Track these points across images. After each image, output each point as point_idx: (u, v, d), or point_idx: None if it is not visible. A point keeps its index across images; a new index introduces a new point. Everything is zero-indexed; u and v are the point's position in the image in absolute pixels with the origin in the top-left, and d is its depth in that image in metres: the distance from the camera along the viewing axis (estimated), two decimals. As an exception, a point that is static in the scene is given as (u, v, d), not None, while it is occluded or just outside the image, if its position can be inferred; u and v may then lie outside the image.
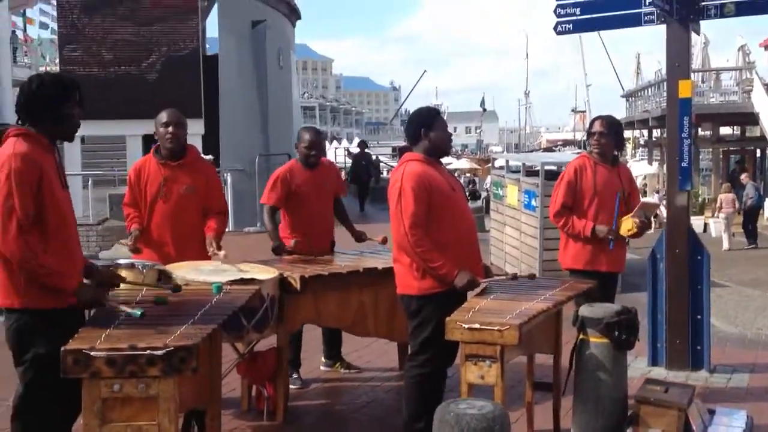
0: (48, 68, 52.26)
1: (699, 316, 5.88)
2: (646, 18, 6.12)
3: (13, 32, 41.90)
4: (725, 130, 31.57)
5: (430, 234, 4.13)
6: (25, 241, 3.25)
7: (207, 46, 17.70)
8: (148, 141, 15.74)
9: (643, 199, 5.54)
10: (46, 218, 3.35)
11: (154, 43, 16.29)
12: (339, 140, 48.19)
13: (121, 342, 3.13)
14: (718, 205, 17.72)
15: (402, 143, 64.67)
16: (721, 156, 30.46)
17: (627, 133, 50.48)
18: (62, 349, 3.06)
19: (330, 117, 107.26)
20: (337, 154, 30.47)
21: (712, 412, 3.92)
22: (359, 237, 5.84)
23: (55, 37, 52.49)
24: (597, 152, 5.30)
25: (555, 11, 6.40)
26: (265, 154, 16.17)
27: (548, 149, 58.89)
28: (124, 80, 16.08)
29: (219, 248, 4.84)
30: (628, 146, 52.98)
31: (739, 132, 32.20)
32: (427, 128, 4.28)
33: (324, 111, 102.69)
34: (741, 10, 5.86)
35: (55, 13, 47.03)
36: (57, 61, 53.81)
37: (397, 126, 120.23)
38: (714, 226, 19.70)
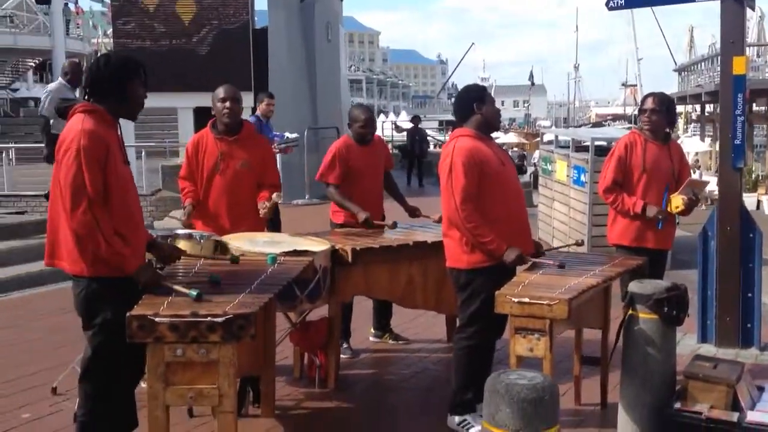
0: (99, 40, 53.17)
1: (750, 294, 5.85)
2: (700, -7, 6.04)
3: (66, 4, 42.70)
4: (757, 108, 30.82)
5: (481, 209, 4.19)
6: (93, 218, 3.36)
7: (255, 18, 17.76)
8: (199, 114, 15.99)
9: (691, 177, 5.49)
10: (110, 194, 3.46)
11: (205, 17, 16.42)
12: (386, 113, 48.15)
13: (183, 309, 3.27)
14: None
15: (449, 117, 64.40)
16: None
17: (679, 108, 49.64)
18: (128, 314, 3.20)
19: (377, 90, 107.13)
20: (385, 128, 30.51)
21: (761, 389, 3.93)
22: (413, 212, 5.92)
23: (107, 9, 53.19)
24: (648, 129, 5.26)
25: (606, -14, 6.34)
26: (314, 128, 16.29)
27: (597, 124, 58.11)
28: (175, 53, 16.26)
29: (271, 207, 4.95)
30: (680, 121, 52.13)
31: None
32: (478, 103, 4.33)
33: (371, 84, 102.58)
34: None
35: (102, -14, 47.48)
36: (110, 32, 54.34)
37: (444, 99, 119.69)
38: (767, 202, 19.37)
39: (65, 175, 3.40)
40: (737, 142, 5.86)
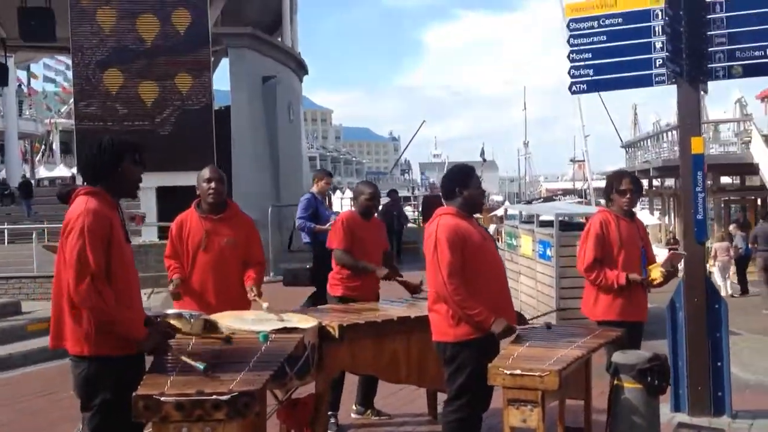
0: (53, 120, 53.04)
1: (719, 363, 6.05)
2: (657, 79, 6.35)
3: (19, 86, 42.75)
4: (725, 180, 31.94)
5: (466, 282, 4.34)
6: (98, 293, 3.44)
7: (213, 98, 18.08)
8: (161, 193, 16.04)
9: (668, 251, 5.75)
10: (113, 271, 3.56)
11: (167, 98, 16.65)
12: (342, 190, 48.59)
13: (187, 388, 3.32)
14: (712, 254, 17.91)
15: (404, 193, 64.99)
16: (722, 205, 30.76)
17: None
18: (134, 394, 3.25)
19: (331, 167, 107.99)
20: (344, 204, 30.77)
21: (742, 455, 4.09)
22: (414, 289, 6.08)
23: (61, 90, 53.25)
24: (627, 208, 5.51)
25: (569, 72, 6.65)
26: (277, 205, 16.45)
27: (548, 198, 59.25)
28: (137, 134, 16.42)
29: (260, 295, 5.07)
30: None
31: (739, 181, 32.58)
32: (462, 186, 4.54)
33: (325, 161, 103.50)
34: (747, 72, 6.13)
35: (60, 68, 47.85)
36: (63, 111, 54.24)
37: (397, 175, 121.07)
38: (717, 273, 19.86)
39: (70, 252, 3.49)
40: (699, 217, 6.14)
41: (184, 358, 3.57)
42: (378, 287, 6.11)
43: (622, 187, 5.54)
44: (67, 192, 3.71)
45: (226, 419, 3.26)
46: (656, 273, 5.29)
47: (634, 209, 5.78)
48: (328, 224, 8.50)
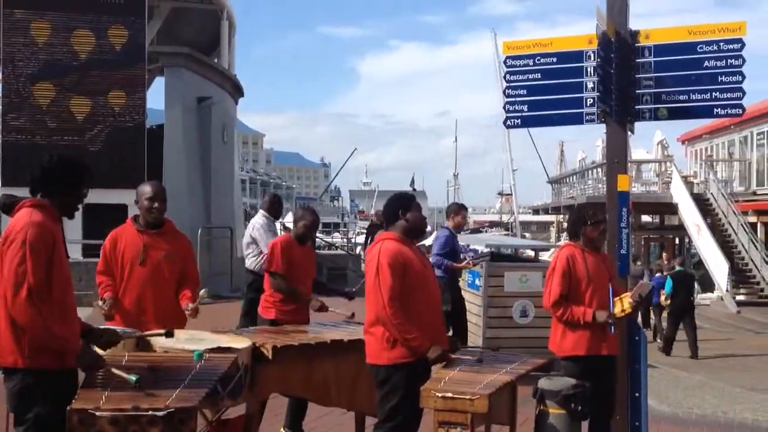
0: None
1: (637, 394, 6.26)
2: (587, 117, 6.57)
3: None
4: (646, 218, 33.03)
5: (404, 307, 4.44)
6: (34, 307, 3.43)
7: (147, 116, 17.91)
8: (88, 210, 15.72)
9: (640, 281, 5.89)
10: (52, 284, 3.55)
11: (99, 114, 16.40)
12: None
13: (123, 403, 3.33)
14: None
15: (334, 219, 65.05)
16: (642, 243, 31.75)
17: (551, 218, 52.24)
18: (68, 408, 3.25)
19: (260, 190, 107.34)
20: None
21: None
22: (349, 295, 6.25)
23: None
24: (599, 239, 5.54)
25: (504, 107, 6.86)
26: (209, 227, 16.32)
27: (476, 230, 60.19)
28: (67, 149, 16.09)
29: (196, 311, 5.11)
30: (552, 230, 54.72)
31: (658, 220, 33.74)
32: (404, 210, 4.66)
33: (254, 185, 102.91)
34: (672, 114, 6.44)
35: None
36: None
37: (327, 202, 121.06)
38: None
39: (9, 264, 3.47)
40: (623, 251, 6.38)
41: (115, 370, 3.58)
42: (308, 312, 6.17)
43: (598, 217, 5.54)
44: (11, 203, 3.68)
45: (161, 435, 3.27)
46: (626, 304, 5.40)
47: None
48: (465, 261, 8.46)
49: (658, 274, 18.37)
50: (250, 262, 8.49)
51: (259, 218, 8.76)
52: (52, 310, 3.50)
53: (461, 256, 8.78)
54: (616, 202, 6.44)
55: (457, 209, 9.03)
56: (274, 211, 8.86)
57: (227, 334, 5.13)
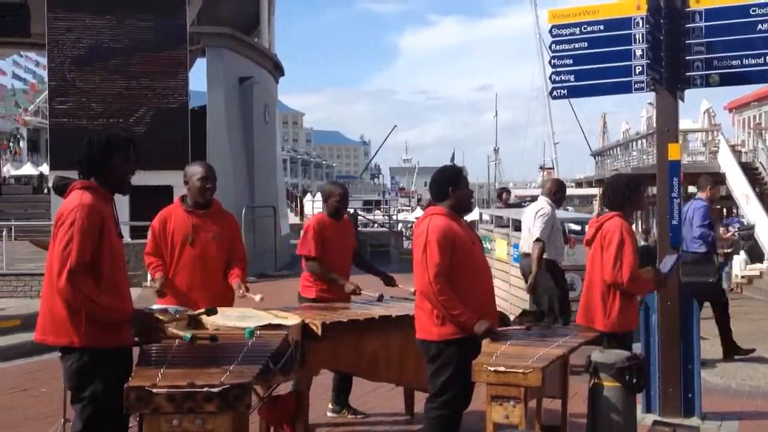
0: (22, 117, 52.36)
1: (690, 366, 6.19)
2: (636, 85, 6.47)
3: (-13, 82, 42.25)
4: (692, 189, 32.44)
5: (452, 283, 4.41)
6: (77, 286, 3.47)
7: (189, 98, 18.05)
8: (134, 192, 15.90)
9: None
10: (102, 264, 3.59)
11: (143, 97, 16.58)
12: (312, 193, 48.53)
13: (178, 380, 3.36)
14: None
15: (375, 197, 65.13)
16: (689, 214, 31.18)
17: (594, 191, 51.65)
18: (125, 386, 3.29)
19: (301, 170, 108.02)
20: (315, 207, 30.77)
21: (715, 452, 4.21)
22: (389, 281, 6.23)
23: (29, 87, 52.55)
24: (643, 209, 5.51)
25: (550, 77, 6.77)
26: (252, 206, 16.44)
27: (517, 205, 59.79)
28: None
29: (247, 290, 5.12)
30: (595, 203, 54.15)
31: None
32: (454, 186, 4.61)
33: (295, 164, 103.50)
34: (724, 80, 6.28)
35: (30, 66, 47.32)
36: (30, 110, 53.41)
37: (366, 180, 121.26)
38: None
39: (58, 245, 3.52)
40: (674, 222, 6.28)
41: (171, 329, 3.62)
42: None
43: (641, 185, 5.44)
44: (63, 185, 3.73)
45: (217, 411, 3.31)
46: (649, 275, 5.39)
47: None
48: (729, 233, 8.25)
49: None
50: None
51: (542, 204, 8.07)
52: (97, 287, 3.53)
53: (728, 228, 8.54)
54: (667, 171, 6.33)
55: (712, 183, 8.65)
56: (561, 197, 8.36)
57: (277, 312, 5.15)
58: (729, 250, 18.87)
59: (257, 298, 5.11)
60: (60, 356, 3.67)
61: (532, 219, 7.87)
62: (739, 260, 20.62)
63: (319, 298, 5.89)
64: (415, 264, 4.51)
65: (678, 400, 6.20)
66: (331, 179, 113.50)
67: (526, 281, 8.02)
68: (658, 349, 6.26)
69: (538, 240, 7.71)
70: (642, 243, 15.39)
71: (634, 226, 9.23)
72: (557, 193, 8.14)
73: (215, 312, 4.24)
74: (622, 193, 5.40)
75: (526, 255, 8.02)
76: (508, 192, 14.39)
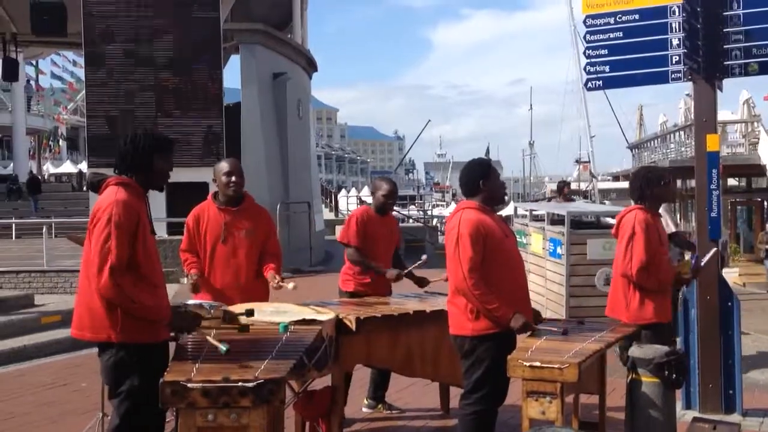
0: (61, 116, 53.17)
1: (730, 361, 6.08)
2: (673, 76, 6.36)
3: (27, 82, 42.94)
4: (731, 182, 31.88)
5: (486, 277, 4.37)
6: (117, 285, 3.50)
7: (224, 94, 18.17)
8: (170, 189, 16.10)
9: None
10: (138, 261, 3.61)
11: (179, 93, 16.70)
12: (347, 189, 48.63)
13: (213, 374, 3.37)
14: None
15: (410, 192, 65.07)
16: (729, 206, 30.68)
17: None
18: (161, 381, 3.30)
19: (335, 166, 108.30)
20: (349, 202, 30.87)
21: (757, 449, 4.13)
22: (421, 282, 6.13)
23: (67, 86, 53.24)
24: (671, 201, 5.38)
25: (585, 68, 6.68)
26: (287, 202, 16.50)
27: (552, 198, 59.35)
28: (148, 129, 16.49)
29: (283, 280, 5.13)
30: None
31: (745, 183, 32.55)
32: (485, 180, 4.56)
33: (330, 160, 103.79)
34: (764, 69, 6.13)
35: (67, 66, 47.98)
36: (69, 109, 54.07)
37: (401, 174, 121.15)
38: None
39: (96, 242, 3.54)
40: (713, 215, 6.17)
41: (209, 338, 3.63)
42: (389, 283, 6.11)
43: (665, 179, 5.35)
44: (98, 181, 3.76)
45: (251, 406, 3.32)
46: (686, 269, 5.30)
47: None
48: None
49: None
50: None
51: None
52: (138, 284, 3.56)
53: None
54: (705, 163, 6.22)
55: None
56: None
57: (311, 307, 5.15)
58: None
59: (290, 286, 5.11)
60: (98, 352, 3.71)
61: None
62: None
63: (357, 292, 5.88)
64: (448, 259, 4.48)
65: (718, 396, 6.10)
66: (365, 175, 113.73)
67: None
68: (698, 345, 6.16)
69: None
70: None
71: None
72: None
73: (253, 314, 4.25)
74: (641, 186, 5.35)
75: None
76: (569, 185, 14.13)
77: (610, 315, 5.35)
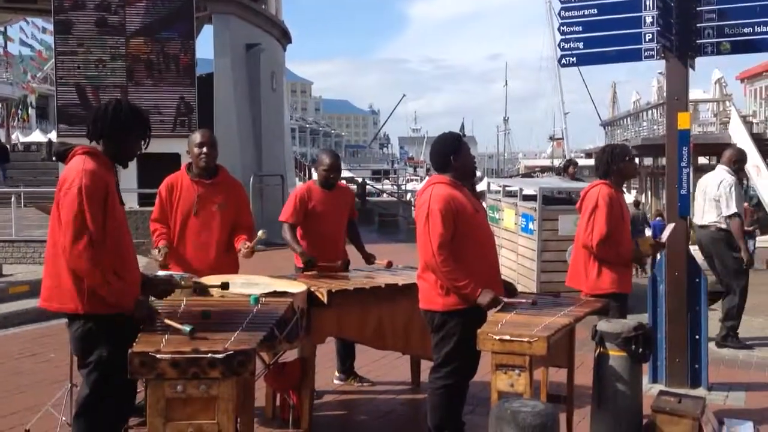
0: (30, 84, 52.26)
1: (697, 336, 6.17)
2: (646, 53, 6.37)
3: (-6, 48, 42.05)
4: (702, 160, 32.22)
5: (455, 253, 4.36)
6: (94, 256, 3.45)
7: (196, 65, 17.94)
8: (141, 159, 15.99)
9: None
10: (108, 233, 3.55)
11: (150, 63, 16.47)
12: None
13: (183, 345, 3.35)
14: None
15: (383, 166, 65.01)
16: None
17: (605, 161, 51.27)
18: (129, 351, 3.28)
19: (309, 139, 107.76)
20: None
21: (721, 422, 4.21)
22: (368, 259, 6.10)
23: (36, 55, 52.37)
24: (629, 179, 5.50)
25: (559, 45, 6.68)
26: (260, 174, 16.41)
27: (526, 175, 59.61)
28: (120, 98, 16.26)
29: (252, 249, 5.11)
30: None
31: (715, 161, 32.91)
32: (454, 155, 4.54)
33: (304, 133, 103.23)
34: (736, 48, 6.19)
35: (36, 33, 47.16)
36: (39, 77, 53.10)
37: (375, 149, 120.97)
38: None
39: (66, 212, 3.48)
40: (683, 192, 6.22)
41: (169, 321, 3.59)
42: (345, 255, 6.00)
43: (630, 155, 5.50)
44: (64, 150, 3.69)
45: (221, 377, 3.30)
46: (646, 246, 5.39)
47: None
48: None
49: (658, 218, 18.16)
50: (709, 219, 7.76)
51: (723, 174, 7.69)
52: (108, 261, 3.51)
53: None
54: (676, 140, 6.27)
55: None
56: (740, 166, 7.93)
57: (282, 279, 5.15)
58: (750, 228, 18.86)
59: (260, 233, 5.09)
60: (66, 322, 3.68)
61: (716, 190, 7.61)
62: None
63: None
64: (418, 235, 4.46)
65: (684, 371, 6.20)
66: (340, 149, 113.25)
67: (703, 254, 7.84)
68: (665, 320, 6.24)
69: (736, 215, 7.50)
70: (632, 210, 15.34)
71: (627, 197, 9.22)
72: (737, 162, 7.85)
73: (227, 287, 4.21)
74: (606, 162, 5.49)
75: (703, 227, 7.81)
76: (576, 165, 13.82)
77: (569, 285, 5.58)
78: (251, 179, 15.38)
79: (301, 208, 5.80)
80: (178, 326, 3.54)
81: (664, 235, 5.72)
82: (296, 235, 5.85)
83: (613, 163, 5.45)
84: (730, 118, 28.35)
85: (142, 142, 3.76)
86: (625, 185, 9.83)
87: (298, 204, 5.80)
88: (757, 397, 6.01)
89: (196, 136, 5.26)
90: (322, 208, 5.85)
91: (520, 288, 8.82)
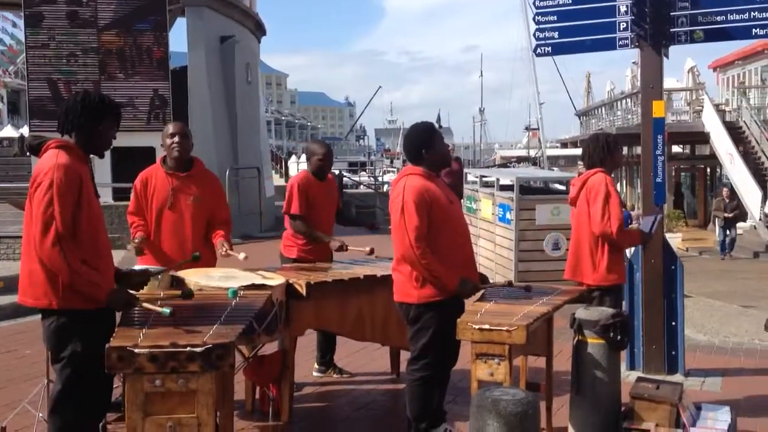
0: (1, 79, 51.53)
1: (673, 323, 6.23)
2: (620, 42, 6.43)
3: (-37, 44, 41.43)
4: (676, 149, 32.51)
5: (431, 244, 4.34)
6: (61, 251, 3.41)
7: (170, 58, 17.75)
8: (116, 153, 15.86)
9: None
10: (81, 227, 3.52)
11: (123, 57, 16.26)
12: (297, 155, 48.26)
13: (161, 340, 3.33)
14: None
15: (360, 158, 64.88)
16: (673, 173, 31.32)
17: (579, 151, 51.60)
18: (107, 346, 3.25)
19: (285, 131, 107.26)
20: (300, 169, 30.64)
21: (698, 408, 4.25)
22: (373, 226, 6.17)
23: (7, 49, 51.70)
24: (619, 166, 5.47)
25: (534, 34, 6.71)
26: (236, 168, 16.31)
27: (503, 165, 59.79)
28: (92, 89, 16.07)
29: (231, 248, 5.07)
30: (580, 164, 54.09)
31: (689, 150, 33.21)
32: (428, 146, 4.50)
33: (279, 126, 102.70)
34: (709, 36, 6.24)
35: (7, 26, 46.44)
36: (10, 72, 52.30)
37: (352, 141, 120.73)
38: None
39: (37, 207, 3.45)
40: (658, 180, 6.28)
41: (147, 305, 3.57)
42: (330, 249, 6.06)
43: (617, 146, 5.49)
44: (38, 144, 3.64)
45: (200, 371, 3.28)
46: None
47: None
48: None
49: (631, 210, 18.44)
50: None
51: None
52: (80, 254, 3.47)
53: None
54: (651, 129, 6.31)
55: None
56: None
57: (261, 272, 5.12)
58: (731, 215, 19.11)
59: (241, 256, 5.07)
60: (41, 317, 3.64)
61: None
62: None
63: (300, 258, 5.82)
64: (393, 227, 4.44)
65: (661, 357, 6.26)
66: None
67: None
68: (642, 307, 6.30)
69: None
70: None
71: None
72: None
73: (191, 296, 4.14)
74: (602, 150, 5.40)
75: None
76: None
77: (569, 278, 5.41)
78: (227, 172, 15.29)
79: (303, 197, 5.83)
80: (158, 309, 3.53)
81: (645, 224, 5.70)
82: (307, 224, 5.84)
83: (609, 153, 5.37)
84: (703, 107, 28.60)
85: (114, 129, 3.72)
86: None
87: (302, 194, 5.82)
88: (733, 383, 6.08)
89: (169, 127, 5.25)
90: (319, 197, 5.91)
91: (498, 278, 8.89)
